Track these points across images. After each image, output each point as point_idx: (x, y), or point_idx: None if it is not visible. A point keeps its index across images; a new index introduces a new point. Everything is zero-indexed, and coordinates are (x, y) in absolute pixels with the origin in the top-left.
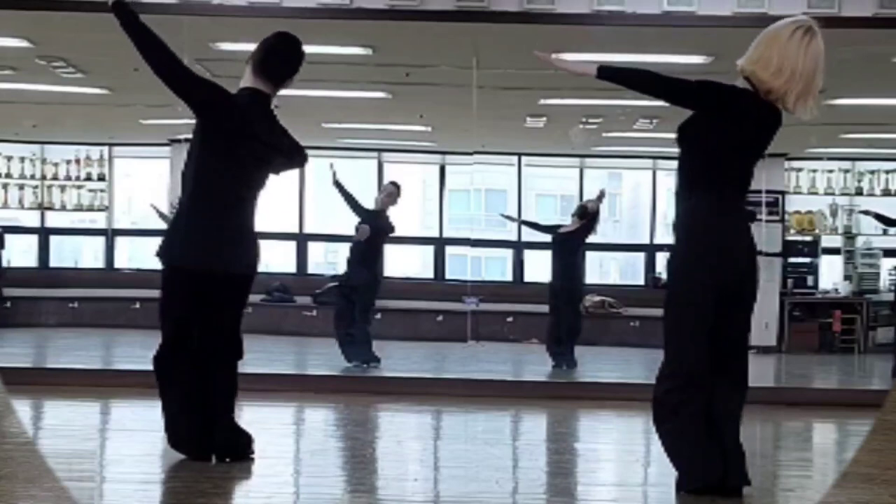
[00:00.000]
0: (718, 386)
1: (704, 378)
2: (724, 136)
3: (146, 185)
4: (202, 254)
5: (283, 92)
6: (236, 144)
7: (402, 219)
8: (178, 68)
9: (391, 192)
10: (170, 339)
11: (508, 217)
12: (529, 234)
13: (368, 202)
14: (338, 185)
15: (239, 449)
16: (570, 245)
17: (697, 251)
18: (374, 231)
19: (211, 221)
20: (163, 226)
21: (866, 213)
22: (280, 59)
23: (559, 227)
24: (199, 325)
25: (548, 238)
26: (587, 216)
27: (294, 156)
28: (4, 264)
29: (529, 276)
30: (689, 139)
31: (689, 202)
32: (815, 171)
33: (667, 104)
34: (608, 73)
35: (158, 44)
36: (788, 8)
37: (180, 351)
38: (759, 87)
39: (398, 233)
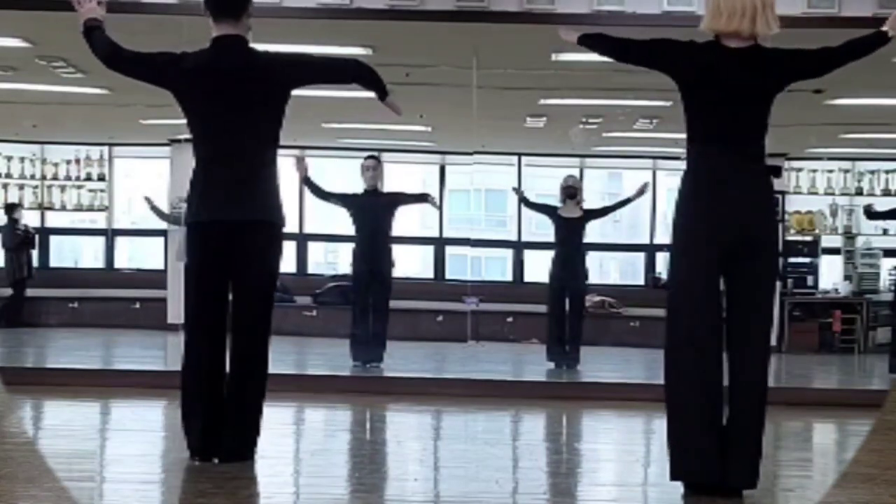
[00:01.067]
0: (732, 373)
1: (706, 353)
2: (693, 88)
3: (146, 185)
4: (204, 206)
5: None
6: (206, 97)
7: (403, 219)
8: (142, 66)
9: (370, 166)
10: (193, 304)
11: (517, 190)
12: (530, 234)
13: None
14: (306, 181)
15: (241, 453)
16: (576, 232)
17: (680, 211)
18: (364, 213)
19: (211, 177)
20: (162, 225)
21: (867, 209)
22: None
23: (556, 208)
24: (222, 289)
25: (549, 237)
26: (577, 195)
27: (344, 72)
28: (3, 265)
29: (529, 276)
30: (681, 97)
31: (686, 159)
32: (815, 171)
33: (667, 103)
34: (584, 40)
35: (104, 39)
36: (788, 8)
37: (206, 322)
38: (724, 37)
39: (398, 232)
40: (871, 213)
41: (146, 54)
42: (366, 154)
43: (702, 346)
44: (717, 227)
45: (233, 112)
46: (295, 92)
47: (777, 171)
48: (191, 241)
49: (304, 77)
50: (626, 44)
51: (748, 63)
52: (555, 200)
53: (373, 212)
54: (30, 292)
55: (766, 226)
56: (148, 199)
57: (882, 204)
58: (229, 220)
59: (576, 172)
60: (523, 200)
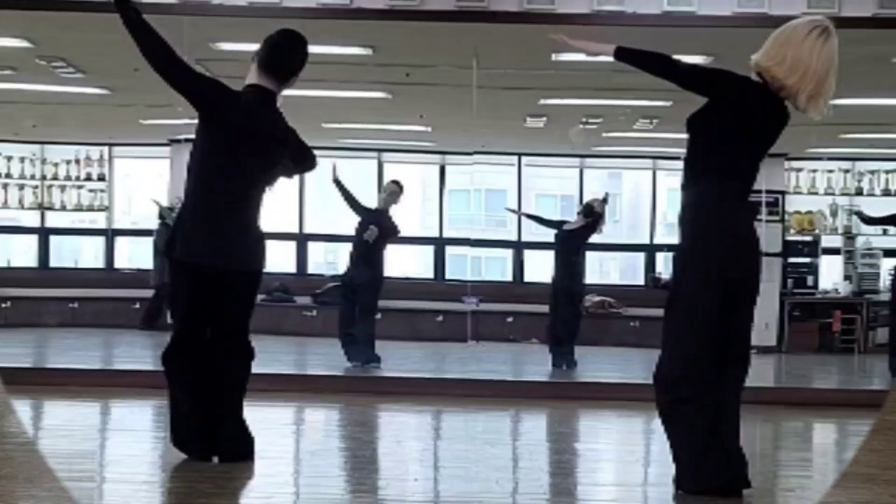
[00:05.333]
0: (720, 384)
1: (711, 375)
2: (734, 125)
3: (146, 185)
4: (205, 250)
5: (283, 92)
6: (239, 140)
7: (403, 219)
8: (177, 64)
9: (393, 192)
10: (178, 334)
11: (512, 210)
12: (530, 234)
13: (369, 203)
14: (337, 182)
15: (240, 453)
16: (572, 243)
17: (706, 242)
18: (378, 231)
19: (214, 218)
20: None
21: (860, 215)
22: (285, 56)
23: (564, 222)
24: (208, 323)
25: (549, 237)
26: (593, 215)
27: (302, 157)
28: (4, 264)
29: (529, 276)
30: (699, 129)
31: (695, 190)
32: (815, 171)
33: (667, 103)
34: (625, 55)
35: (158, 40)
36: (788, 8)
37: (189, 348)
38: (771, 83)
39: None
40: (865, 219)
41: (199, 73)
42: (369, 154)
43: (709, 377)
44: (729, 267)
45: (252, 161)
46: (296, 91)
47: (755, 211)
48: (184, 281)
49: (301, 159)
50: (681, 66)
51: (779, 115)
52: (556, 199)
53: (378, 228)
54: (30, 292)
55: (760, 264)
56: (157, 203)
57: (882, 204)
58: (227, 268)
59: (576, 172)
60: (530, 217)
